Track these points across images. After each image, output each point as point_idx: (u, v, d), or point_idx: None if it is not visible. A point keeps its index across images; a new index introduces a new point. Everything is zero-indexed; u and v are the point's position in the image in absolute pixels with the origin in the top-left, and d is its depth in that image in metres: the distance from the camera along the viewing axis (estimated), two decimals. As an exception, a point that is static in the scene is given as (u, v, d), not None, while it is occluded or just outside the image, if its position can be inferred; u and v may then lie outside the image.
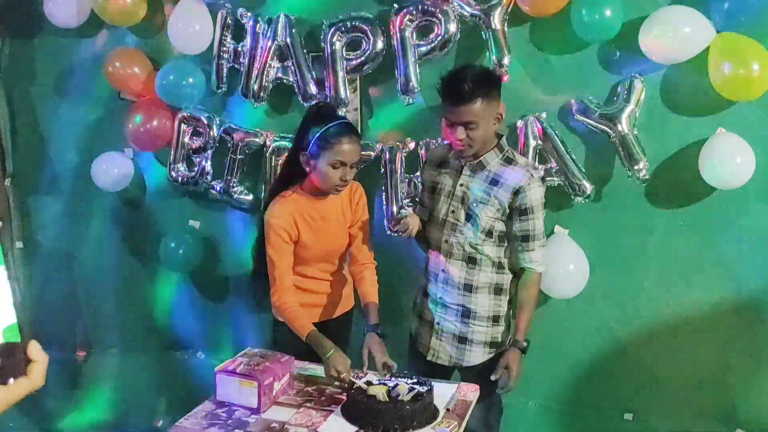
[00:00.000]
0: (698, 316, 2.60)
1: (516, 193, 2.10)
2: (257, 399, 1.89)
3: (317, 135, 2.07)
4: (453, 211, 2.19)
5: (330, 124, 2.08)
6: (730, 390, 2.62)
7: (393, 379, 1.98)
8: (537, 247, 2.17)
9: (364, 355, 2.09)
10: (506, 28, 2.52)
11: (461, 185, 2.18)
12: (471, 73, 2.02)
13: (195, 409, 1.92)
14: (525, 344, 2.16)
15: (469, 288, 2.20)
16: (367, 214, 2.35)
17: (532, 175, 2.13)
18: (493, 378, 2.10)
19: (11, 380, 0.83)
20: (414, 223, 2.22)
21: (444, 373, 2.30)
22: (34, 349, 0.85)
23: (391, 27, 2.61)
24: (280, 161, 2.89)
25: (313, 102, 2.64)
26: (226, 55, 2.86)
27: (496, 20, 2.50)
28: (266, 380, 1.91)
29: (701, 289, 2.59)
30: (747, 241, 2.51)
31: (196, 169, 3.01)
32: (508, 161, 2.15)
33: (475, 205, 2.15)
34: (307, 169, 2.13)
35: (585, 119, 2.51)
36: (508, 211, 2.13)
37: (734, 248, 2.53)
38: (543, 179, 2.25)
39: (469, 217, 2.16)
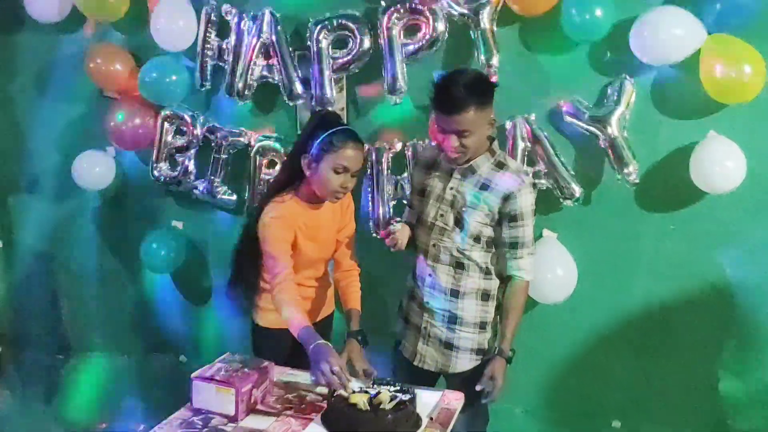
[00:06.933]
0: (687, 322, 2.59)
1: (506, 198, 2.06)
2: (234, 406, 1.84)
3: (322, 138, 2.02)
4: (441, 215, 2.14)
5: (336, 128, 2.04)
6: (719, 397, 2.60)
7: (375, 386, 1.93)
8: (526, 254, 2.12)
9: (343, 361, 2.04)
10: (495, 28, 2.50)
11: (451, 189, 2.13)
12: (463, 81, 1.95)
13: (170, 417, 1.86)
14: (510, 354, 2.11)
15: (455, 294, 2.16)
16: (354, 222, 2.31)
17: (523, 181, 2.08)
18: (477, 388, 2.05)
19: None
20: (404, 236, 2.18)
21: (429, 378, 2.25)
22: None
23: (379, 25, 2.58)
24: (265, 161, 2.85)
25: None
26: (210, 53, 2.82)
27: (485, 19, 2.47)
28: (244, 387, 1.85)
29: (691, 295, 2.56)
30: (737, 247, 2.49)
31: (179, 168, 2.97)
32: (500, 166, 2.10)
33: (464, 209, 2.10)
34: (308, 172, 2.06)
35: (574, 121, 2.49)
36: (497, 216, 2.09)
37: (724, 253, 2.50)
38: (534, 185, 2.21)
39: (458, 221, 2.12)
